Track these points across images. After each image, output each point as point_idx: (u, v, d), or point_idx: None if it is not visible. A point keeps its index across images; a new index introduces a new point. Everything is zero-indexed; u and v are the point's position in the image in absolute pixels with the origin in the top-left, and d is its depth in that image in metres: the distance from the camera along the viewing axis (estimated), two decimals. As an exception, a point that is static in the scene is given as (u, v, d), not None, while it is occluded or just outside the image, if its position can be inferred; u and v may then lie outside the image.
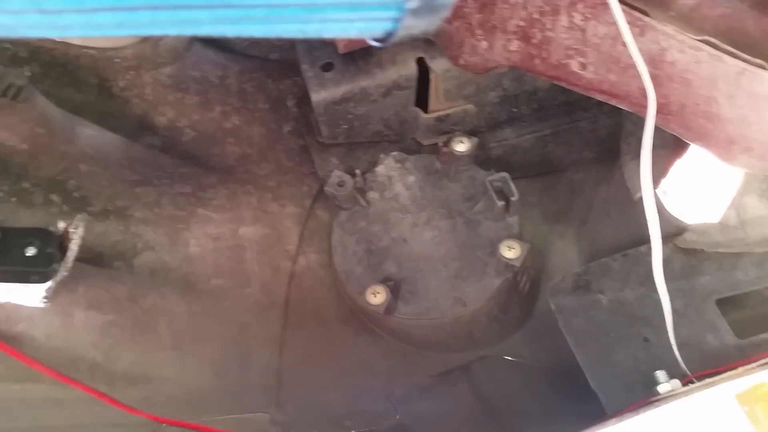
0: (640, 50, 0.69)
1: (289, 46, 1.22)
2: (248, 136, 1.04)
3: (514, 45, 0.82)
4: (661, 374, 0.75)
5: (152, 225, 0.85)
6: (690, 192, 0.90)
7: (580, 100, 1.08)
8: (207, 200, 0.92)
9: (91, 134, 0.84)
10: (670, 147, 0.92)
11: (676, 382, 0.73)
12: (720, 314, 0.93)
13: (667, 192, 0.92)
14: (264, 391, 0.85)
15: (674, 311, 0.96)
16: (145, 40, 0.94)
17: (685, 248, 0.89)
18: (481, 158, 1.09)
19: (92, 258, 0.80)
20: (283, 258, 0.96)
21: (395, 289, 0.91)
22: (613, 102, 0.79)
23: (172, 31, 0.26)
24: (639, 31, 0.70)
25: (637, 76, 0.71)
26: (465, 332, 0.97)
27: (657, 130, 0.96)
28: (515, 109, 1.07)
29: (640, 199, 0.93)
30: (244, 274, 0.91)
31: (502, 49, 0.83)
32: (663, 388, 0.72)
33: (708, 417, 0.70)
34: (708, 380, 0.73)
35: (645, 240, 0.96)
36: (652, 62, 0.71)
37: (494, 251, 0.92)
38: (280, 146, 1.06)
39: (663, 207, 0.92)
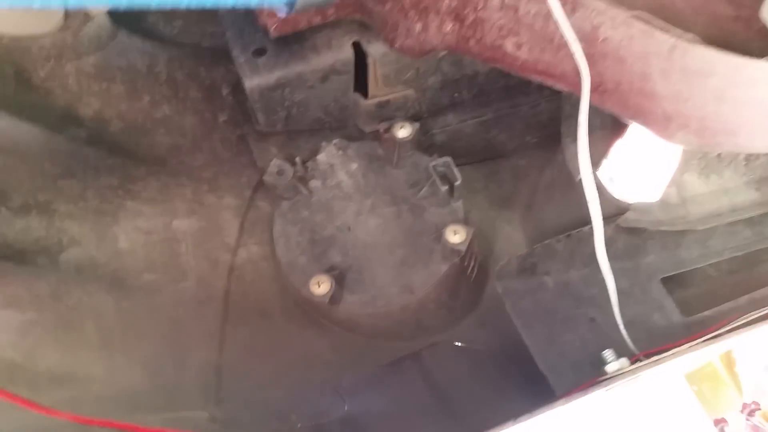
0: (573, 27, 0.68)
1: (221, 33, 1.19)
2: (180, 126, 0.99)
3: (449, 26, 0.80)
4: (608, 353, 0.74)
5: (78, 219, 0.80)
6: (630, 171, 0.91)
7: (520, 84, 1.07)
8: (136, 192, 0.88)
9: (5, 126, 0.79)
10: (609, 127, 0.92)
11: (624, 361, 0.72)
12: (666, 293, 0.94)
13: (608, 172, 0.92)
14: (202, 388, 0.82)
15: (620, 291, 0.96)
16: (66, 28, 0.89)
17: (628, 227, 0.89)
18: (425, 144, 1.08)
19: (13, 255, 0.75)
20: (221, 251, 0.93)
21: (340, 279, 0.89)
22: (550, 82, 0.78)
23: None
24: (570, 8, 0.69)
25: (571, 55, 0.71)
26: (414, 320, 0.96)
27: (595, 110, 0.96)
28: (456, 94, 1.05)
29: (581, 180, 0.94)
30: (178, 268, 0.87)
31: (437, 31, 0.82)
32: (611, 367, 0.72)
33: (658, 396, 0.70)
34: (655, 358, 0.73)
35: (588, 221, 0.96)
36: (585, 40, 0.70)
37: (440, 237, 0.90)
38: (215, 136, 1.02)
39: (604, 188, 0.92)
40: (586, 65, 0.65)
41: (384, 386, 0.90)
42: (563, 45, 0.71)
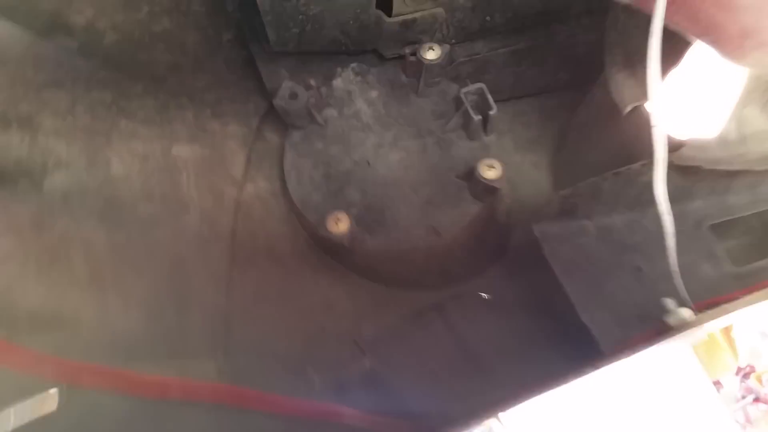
0: None
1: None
2: (181, 42, 0.88)
3: None
4: (670, 302, 0.65)
5: (65, 137, 0.70)
6: (686, 104, 0.81)
7: (557, 10, 0.97)
8: (131, 111, 0.77)
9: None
10: (664, 54, 0.82)
11: (688, 312, 0.64)
12: (716, 240, 0.85)
13: (661, 102, 0.82)
14: (208, 336, 0.73)
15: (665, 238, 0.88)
16: None
17: (682, 166, 0.80)
18: (450, 75, 0.97)
19: (-12, 175, 0.65)
20: (227, 184, 0.83)
21: (360, 218, 0.79)
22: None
23: None
24: None
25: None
26: (438, 266, 0.87)
27: (645, 34, 0.86)
28: (488, 18, 0.95)
29: (632, 112, 0.84)
30: (179, 199, 0.77)
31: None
32: (675, 317, 0.63)
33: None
34: (720, 309, 0.65)
35: (634, 159, 0.87)
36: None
37: (471, 174, 0.80)
38: (219, 56, 0.90)
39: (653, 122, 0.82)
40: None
41: (407, 340, 0.81)
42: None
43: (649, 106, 0.82)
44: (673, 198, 0.88)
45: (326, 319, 0.81)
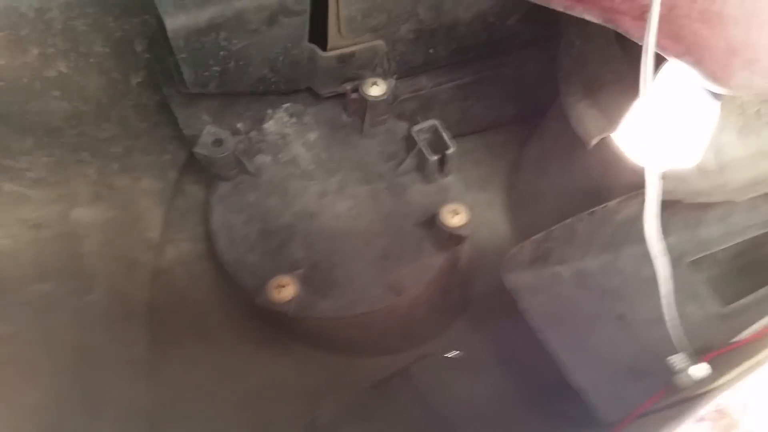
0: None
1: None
2: (81, 88, 0.75)
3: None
4: (679, 359, 0.56)
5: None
6: (660, 133, 0.74)
7: (503, 40, 0.90)
8: (18, 171, 0.63)
9: None
10: (625, 80, 0.76)
11: (705, 368, 0.55)
12: (697, 278, 0.79)
13: (630, 134, 0.75)
14: (127, 443, 0.58)
15: (645, 280, 0.80)
16: None
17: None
18: (394, 113, 0.87)
19: None
20: (140, 250, 0.69)
21: (307, 280, 0.67)
22: (576, 10, 0.61)
23: None
24: None
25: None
26: (399, 328, 0.76)
27: (607, 59, 0.80)
28: (432, 50, 0.87)
29: (599, 145, 0.77)
30: (81, 274, 0.63)
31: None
32: (688, 377, 0.54)
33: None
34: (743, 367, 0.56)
35: (603, 194, 0.79)
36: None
37: (431, 221, 0.70)
38: (127, 102, 0.78)
39: (623, 154, 0.76)
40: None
41: (371, 416, 0.69)
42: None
43: (616, 137, 0.76)
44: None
45: (274, 404, 0.68)
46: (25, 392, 0.54)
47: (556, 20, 0.91)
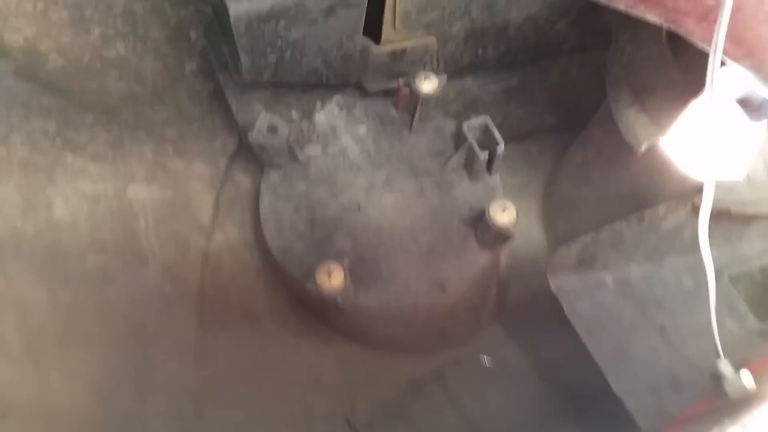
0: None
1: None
2: (138, 70, 0.76)
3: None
4: (725, 365, 0.56)
5: (-4, 174, 0.56)
6: (708, 141, 0.74)
7: (550, 45, 0.91)
8: (80, 144, 0.64)
9: None
10: (676, 87, 0.76)
11: (749, 377, 0.54)
12: (736, 294, 0.78)
13: (678, 143, 0.75)
14: (175, 421, 0.58)
15: (687, 291, 0.80)
16: None
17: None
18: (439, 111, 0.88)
19: None
20: (192, 232, 0.70)
21: (352, 271, 0.68)
22: (639, 9, 0.61)
23: None
24: None
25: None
26: (438, 327, 0.76)
27: (659, 64, 0.80)
28: (480, 50, 0.87)
29: (647, 152, 0.77)
30: (136, 250, 0.63)
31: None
32: (734, 385, 0.53)
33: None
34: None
35: (648, 200, 0.79)
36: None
37: (479, 218, 0.71)
38: (181, 87, 0.79)
39: (671, 162, 0.76)
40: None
41: (407, 417, 0.69)
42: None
43: (665, 144, 0.76)
44: (691, 246, 0.82)
45: (313, 394, 0.68)
46: (80, 363, 0.55)
47: (603, 27, 0.91)
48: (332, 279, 0.65)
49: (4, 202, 0.56)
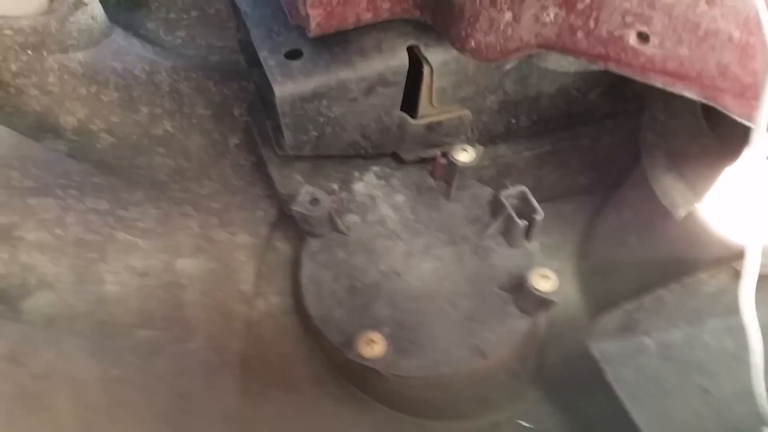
0: (731, 9, 0.54)
1: (230, 49, 1.01)
2: (184, 146, 0.80)
3: (551, 14, 0.64)
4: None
5: (52, 252, 0.59)
6: (747, 205, 0.74)
7: (582, 113, 0.93)
8: (130, 222, 0.67)
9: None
10: (712, 155, 0.77)
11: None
12: (784, 357, 0.77)
13: (717, 207, 0.75)
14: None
15: (729, 354, 0.79)
16: (50, 11, 0.70)
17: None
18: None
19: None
20: (235, 301, 0.71)
21: (391, 338, 0.68)
22: (676, 87, 0.62)
23: None
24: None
25: (720, 47, 0.56)
26: (479, 392, 0.75)
27: (693, 133, 0.81)
28: (513, 120, 0.90)
29: (686, 216, 0.77)
30: (183, 322, 0.65)
31: (533, 22, 0.65)
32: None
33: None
34: None
35: (688, 266, 0.79)
36: (745, 25, 0.54)
37: (518, 285, 0.71)
38: (225, 161, 0.82)
39: (709, 226, 0.76)
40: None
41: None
42: (712, 33, 0.55)
43: (704, 210, 0.76)
44: (733, 309, 0.81)
45: (354, 462, 0.68)
46: (129, 434, 0.56)
47: (636, 95, 0.93)
48: (373, 347, 0.65)
49: (58, 281, 0.58)
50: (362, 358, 0.65)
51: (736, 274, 0.75)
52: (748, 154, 0.70)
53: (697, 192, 0.77)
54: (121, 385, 0.57)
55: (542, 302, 0.69)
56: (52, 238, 0.60)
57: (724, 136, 0.75)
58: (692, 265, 0.79)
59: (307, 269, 0.75)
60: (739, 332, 0.80)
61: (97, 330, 0.59)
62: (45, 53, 0.70)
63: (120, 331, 0.61)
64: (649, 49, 0.60)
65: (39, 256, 0.58)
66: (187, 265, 0.69)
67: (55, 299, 0.58)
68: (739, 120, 0.59)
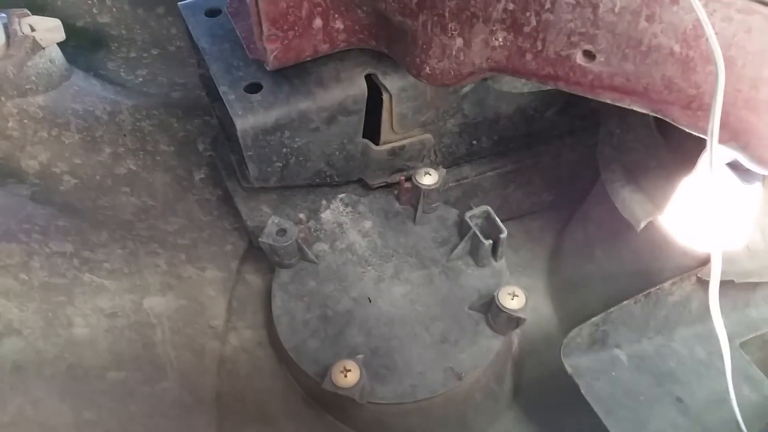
0: (670, 24, 0.56)
1: (192, 84, 1.02)
2: (149, 184, 0.80)
3: (500, 38, 0.66)
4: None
5: (17, 298, 0.58)
6: (705, 215, 0.77)
7: (541, 131, 0.96)
8: (96, 263, 0.66)
9: None
10: (668, 166, 0.79)
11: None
12: (750, 361, 0.79)
13: (676, 217, 0.77)
14: None
15: (699, 361, 0.80)
16: (7, 57, 0.70)
17: (706, 282, 0.74)
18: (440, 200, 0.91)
19: None
20: (207, 338, 0.71)
21: (366, 365, 0.69)
22: (625, 102, 0.64)
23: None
24: (670, -3, 0.56)
25: (662, 61, 0.58)
26: (458, 415, 0.75)
27: (649, 146, 0.83)
28: (475, 141, 0.91)
29: (647, 227, 0.79)
30: (155, 362, 0.64)
31: (483, 47, 0.67)
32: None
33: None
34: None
35: (653, 276, 0.81)
36: (684, 40, 0.57)
37: (488, 304, 0.72)
38: (191, 196, 0.82)
39: (671, 237, 0.78)
40: (721, 57, 0.51)
41: None
42: (653, 49, 0.58)
43: (664, 221, 0.78)
44: (699, 317, 0.82)
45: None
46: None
47: (592, 112, 0.96)
48: (348, 376, 0.65)
49: (26, 326, 0.58)
50: (337, 387, 0.65)
51: (700, 282, 0.77)
52: (702, 163, 0.73)
53: (657, 203, 0.79)
54: (95, 429, 0.56)
55: (512, 320, 0.70)
56: (17, 284, 0.59)
57: (678, 147, 0.78)
58: (657, 276, 0.80)
59: (278, 300, 0.75)
60: (708, 339, 0.82)
61: (68, 374, 0.58)
62: (3, 98, 0.70)
63: (91, 373, 0.60)
64: (596, 67, 0.62)
65: (4, 303, 0.58)
66: (155, 303, 0.69)
67: (23, 345, 0.57)
68: (688, 130, 0.61)
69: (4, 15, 0.79)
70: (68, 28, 0.81)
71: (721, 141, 0.61)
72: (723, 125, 0.60)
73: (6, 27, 0.76)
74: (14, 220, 0.63)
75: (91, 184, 0.76)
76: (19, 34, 0.75)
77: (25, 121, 0.72)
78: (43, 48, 0.74)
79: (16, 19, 0.77)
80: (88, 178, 0.76)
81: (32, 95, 0.72)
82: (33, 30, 0.77)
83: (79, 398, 0.57)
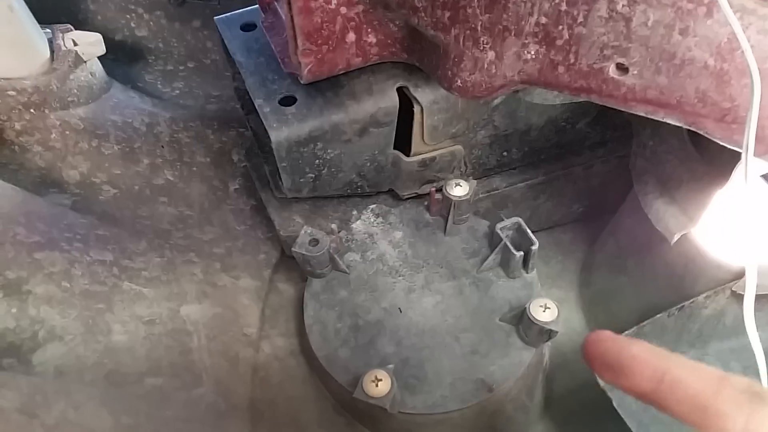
0: (704, 38, 0.56)
1: (227, 97, 1.04)
2: (186, 194, 0.81)
3: (531, 51, 0.67)
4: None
5: (60, 305, 0.60)
6: (739, 228, 0.76)
7: (572, 142, 0.95)
8: (135, 271, 0.68)
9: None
10: (702, 179, 0.78)
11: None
12: (786, 375, 0.77)
13: (710, 230, 0.77)
14: None
15: (734, 376, 0.79)
16: (51, 71, 0.72)
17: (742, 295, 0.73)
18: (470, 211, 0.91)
19: (-34, 356, 0.54)
20: (241, 345, 0.72)
21: (397, 375, 0.69)
22: (658, 115, 0.64)
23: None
24: (705, 10, 0.56)
25: (696, 75, 0.58)
26: (488, 427, 0.75)
27: (681, 158, 0.83)
28: (505, 153, 0.92)
29: (681, 240, 0.78)
30: (190, 368, 0.66)
31: (515, 60, 0.68)
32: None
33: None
34: None
35: (686, 289, 0.80)
36: (719, 53, 0.56)
37: (519, 316, 0.72)
38: (226, 207, 0.84)
39: (703, 250, 0.77)
40: (757, 71, 0.50)
41: None
42: (687, 62, 0.57)
43: (697, 234, 0.78)
44: (734, 331, 0.81)
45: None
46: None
47: (624, 123, 0.95)
48: (380, 386, 0.66)
49: (67, 333, 0.60)
50: (369, 396, 0.65)
51: (734, 295, 0.76)
52: (736, 175, 0.72)
53: (690, 216, 0.78)
54: (132, 433, 0.58)
55: (544, 332, 0.70)
56: (59, 291, 0.61)
57: (711, 160, 0.77)
58: (690, 288, 0.80)
59: (310, 309, 0.76)
60: (742, 353, 0.80)
61: (107, 379, 0.60)
62: (47, 111, 0.73)
63: (129, 379, 0.61)
64: (629, 80, 0.62)
65: (48, 309, 0.60)
66: (192, 311, 0.70)
67: (65, 351, 0.59)
68: (722, 143, 0.61)
69: (48, 30, 0.82)
70: (107, 41, 0.84)
71: (756, 154, 0.60)
72: (758, 138, 0.59)
73: (51, 42, 0.79)
74: (56, 229, 0.65)
75: (129, 194, 0.78)
76: (63, 48, 0.78)
77: (67, 132, 0.75)
78: (85, 62, 0.76)
79: (60, 34, 0.81)
80: (127, 188, 0.78)
81: (74, 107, 0.75)
82: (75, 44, 0.80)
83: (118, 403, 0.58)
